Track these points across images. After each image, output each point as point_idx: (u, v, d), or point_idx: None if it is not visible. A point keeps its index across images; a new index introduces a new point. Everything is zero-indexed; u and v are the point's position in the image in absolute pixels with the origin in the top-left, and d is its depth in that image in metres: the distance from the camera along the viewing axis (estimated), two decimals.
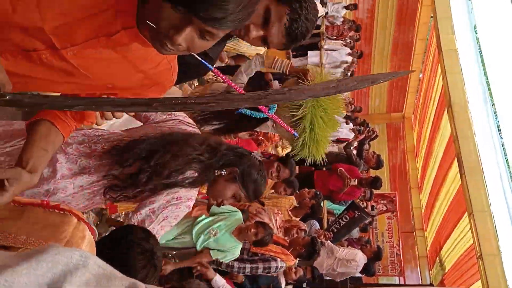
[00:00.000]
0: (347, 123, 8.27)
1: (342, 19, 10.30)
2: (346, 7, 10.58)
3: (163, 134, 2.01)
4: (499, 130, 9.37)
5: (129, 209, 3.97)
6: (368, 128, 7.43)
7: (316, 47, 9.29)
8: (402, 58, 12.75)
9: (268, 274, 4.58)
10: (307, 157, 2.91)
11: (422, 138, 12.58)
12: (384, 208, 10.29)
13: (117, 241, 1.78)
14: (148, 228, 1.96)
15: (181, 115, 2.29)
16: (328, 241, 6.47)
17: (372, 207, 8.49)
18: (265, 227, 3.93)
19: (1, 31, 1.14)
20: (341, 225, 6.83)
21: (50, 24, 1.13)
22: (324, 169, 6.88)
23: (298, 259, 4.92)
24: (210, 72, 3.31)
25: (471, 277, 8.38)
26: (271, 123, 3.15)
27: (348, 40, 10.14)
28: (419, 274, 11.27)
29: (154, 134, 2.01)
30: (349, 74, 9.62)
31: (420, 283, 10.68)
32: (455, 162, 8.50)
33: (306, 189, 5.86)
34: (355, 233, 8.02)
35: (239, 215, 4.00)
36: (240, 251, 4.03)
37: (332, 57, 9.50)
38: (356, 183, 6.60)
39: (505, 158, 9.06)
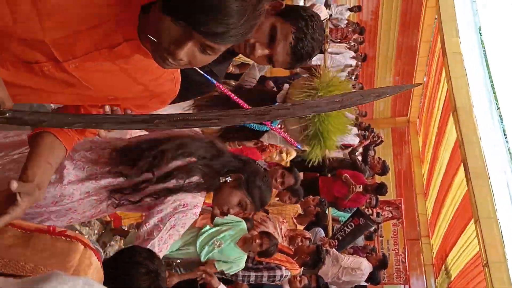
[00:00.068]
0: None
1: (346, 22, 10.26)
2: (350, 9, 10.53)
3: (169, 136, 2.04)
4: (505, 134, 9.31)
5: (134, 222, 3.94)
6: (373, 134, 7.38)
7: (319, 50, 9.21)
8: (406, 61, 12.73)
9: (273, 283, 4.52)
10: (319, 151, 2.85)
11: (428, 143, 12.55)
12: (390, 215, 10.23)
13: (122, 262, 1.79)
14: (157, 238, 1.99)
15: None
16: (333, 249, 6.41)
17: (378, 214, 8.45)
18: (270, 237, 3.89)
19: (1, 42, 1.14)
20: (346, 232, 6.78)
21: (51, 36, 1.13)
22: (329, 175, 6.84)
23: (303, 267, 4.86)
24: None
25: (477, 285, 8.32)
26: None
27: (352, 43, 10.10)
28: (425, 282, 11.22)
29: (161, 135, 2.06)
30: (353, 77, 9.55)
31: None
32: (461, 168, 8.45)
33: (311, 196, 5.85)
34: (360, 241, 7.97)
35: (244, 225, 3.96)
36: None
37: (336, 61, 9.43)
38: (361, 189, 6.56)
39: None
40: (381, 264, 6.90)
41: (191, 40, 1.05)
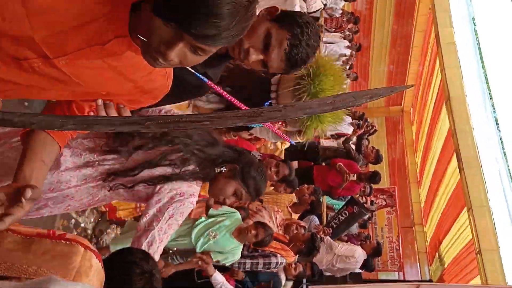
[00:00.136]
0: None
1: (340, 11, 10.23)
2: None
3: None
4: (497, 124, 9.37)
5: (128, 217, 3.95)
6: (367, 123, 7.39)
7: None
8: (401, 51, 12.72)
9: (268, 270, 4.58)
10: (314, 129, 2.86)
11: (421, 132, 12.58)
12: (384, 203, 10.29)
13: (118, 262, 1.81)
14: (157, 228, 2.02)
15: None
16: (328, 237, 6.45)
17: (372, 202, 8.49)
18: (265, 227, 3.90)
19: None
20: (341, 220, 6.81)
21: (40, 34, 1.11)
22: (324, 164, 6.87)
23: (298, 255, 4.91)
24: None
25: (470, 273, 8.39)
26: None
27: (347, 33, 10.08)
28: (419, 269, 11.27)
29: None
30: (347, 67, 9.56)
31: (420, 278, 10.68)
32: (454, 157, 8.49)
33: (306, 185, 5.85)
34: (354, 228, 8.02)
35: (238, 215, 3.98)
36: None
37: (330, 50, 9.43)
38: (355, 178, 6.59)
39: (503, 153, 9.07)
40: (375, 252, 6.97)
41: (182, 41, 1.04)
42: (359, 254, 6.60)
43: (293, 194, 5.53)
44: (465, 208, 8.00)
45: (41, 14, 1.08)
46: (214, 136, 2.20)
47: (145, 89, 1.39)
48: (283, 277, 5.00)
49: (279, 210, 5.08)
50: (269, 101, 2.95)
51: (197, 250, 3.74)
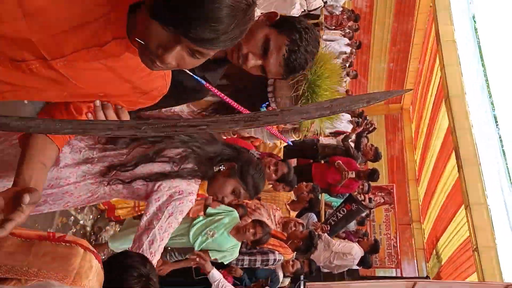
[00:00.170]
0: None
1: (341, 9, 10.19)
2: None
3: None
4: (496, 122, 9.39)
5: (127, 216, 3.97)
6: (366, 121, 7.39)
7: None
8: (401, 48, 12.70)
9: (266, 267, 4.60)
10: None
11: (420, 130, 12.58)
12: (382, 200, 10.31)
13: (116, 265, 1.82)
14: (157, 227, 2.03)
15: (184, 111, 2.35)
16: (325, 234, 6.47)
17: (370, 199, 8.48)
18: (263, 226, 3.91)
19: None
20: (339, 218, 6.83)
21: (37, 35, 1.10)
22: (322, 162, 6.88)
23: (295, 252, 4.93)
24: None
25: (467, 270, 8.43)
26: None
27: (347, 30, 10.04)
28: (416, 266, 11.33)
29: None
30: (347, 65, 9.56)
31: (417, 275, 10.73)
32: (453, 154, 8.51)
33: (304, 183, 5.84)
34: (352, 225, 8.04)
35: (236, 213, 3.99)
36: None
37: (330, 48, 9.40)
38: (353, 175, 6.59)
39: (502, 150, 9.10)
40: (372, 249, 7.00)
41: (180, 44, 1.03)
42: (356, 251, 6.64)
43: (292, 192, 5.51)
44: (463, 206, 8.04)
45: (37, 15, 1.07)
46: (212, 134, 2.21)
47: (143, 90, 1.38)
48: (280, 274, 5.01)
49: (278, 208, 5.08)
50: (267, 103, 2.99)
51: (195, 249, 3.76)
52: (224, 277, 3.96)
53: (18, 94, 1.31)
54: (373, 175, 6.77)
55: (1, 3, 1.05)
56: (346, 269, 6.97)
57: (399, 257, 10.04)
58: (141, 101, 1.44)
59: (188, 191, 2.11)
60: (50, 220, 3.49)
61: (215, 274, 3.82)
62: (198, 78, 1.82)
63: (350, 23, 10.20)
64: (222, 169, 2.24)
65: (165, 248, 3.95)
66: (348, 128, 7.60)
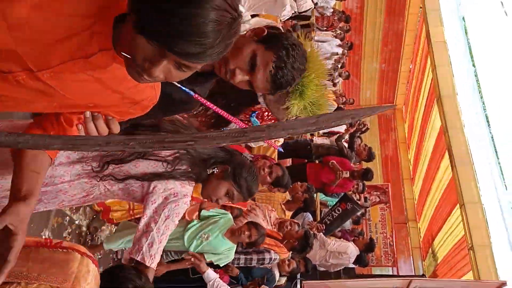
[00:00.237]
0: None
1: (332, 10, 10.24)
2: None
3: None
4: (488, 121, 9.44)
5: (122, 219, 3.95)
6: (359, 121, 7.41)
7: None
8: (393, 48, 12.78)
9: (262, 266, 4.60)
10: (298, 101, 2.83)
11: (414, 129, 12.65)
12: (377, 200, 10.36)
13: (111, 277, 1.86)
14: (155, 230, 2.07)
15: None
16: (321, 233, 6.48)
17: (365, 198, 8.51)
18: (257, 228, 3.90)
19: None
20: (334, 217, 6.83)
21: (23, 47, 1.09)
22: (317, 162, 6.90)
23: (291, 251, 4.92)
24: None
25: (463, 268, 8.46)
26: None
27: (338, 31, 10.09)
28: (412, 264, 11.37)
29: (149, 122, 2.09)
30: (339, 66, 9.60)
31: (413, 273, 10.75)
32: (446, 154, 8.56)
33: (299, 183, 5.85)
34: (348, 224, 8.05)
35: (229, 216, 3.99)
36: None
37: (322, 49, 9.45)
38: (348, 175, 6.61)
39: (494, 149, 9.14)
40: (367, 247, 7.03)
41: (166, 58, 1.03)
42: (352, 250, 6.66)
43: (287, 192, 5.52)
44: (458, 205, 8.07)
45: (22, 27, 1.06)
46: None
47: (134, 100, 1.37)
48: (277, 273, 5.02)
49: (273, 209, 5.07)
50: (257, 112, 2.99)
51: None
52: (220, 276, 3.96)
53: (8, 105, 1.30)
54: (367, 174, 6.80)
55: None
56: (342, 267, 6.98)
57: (395, 255, 10.09)
58: (132, 111, 1.42)
59: (183, 193, 2.14)
60: (45, 220, 3.46)
61: (210, 274, 3.82)
62: (187, 90, 1.79)
63: (341, 24, 10.26)
64: (215, 172, 2.27)
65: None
66: (342, 128, 7.63)
